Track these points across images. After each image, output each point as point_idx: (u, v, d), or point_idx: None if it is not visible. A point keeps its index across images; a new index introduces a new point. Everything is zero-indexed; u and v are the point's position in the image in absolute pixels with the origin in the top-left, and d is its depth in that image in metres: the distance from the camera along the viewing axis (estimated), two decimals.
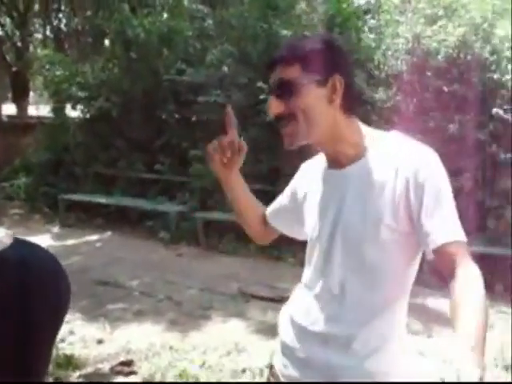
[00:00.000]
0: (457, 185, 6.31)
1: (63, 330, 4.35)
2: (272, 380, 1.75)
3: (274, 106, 1.49)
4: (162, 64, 8.38)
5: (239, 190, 1.80)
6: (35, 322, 2.30)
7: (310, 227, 1.63)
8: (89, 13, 13.84)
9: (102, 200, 8.39)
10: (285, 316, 1.73)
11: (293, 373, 1.64)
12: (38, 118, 13.30)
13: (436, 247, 1.38)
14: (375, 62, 6.78)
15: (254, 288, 5.52)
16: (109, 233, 7.98)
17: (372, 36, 7.08)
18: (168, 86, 8.24)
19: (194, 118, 7.84)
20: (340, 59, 1.52)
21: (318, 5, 7.44)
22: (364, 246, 1.48)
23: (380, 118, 6.27)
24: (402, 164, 1.45)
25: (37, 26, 16.59)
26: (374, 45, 6.89)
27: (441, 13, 6.56)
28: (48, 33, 15.84)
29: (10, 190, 9.90)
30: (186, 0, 10.01)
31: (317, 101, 1.46)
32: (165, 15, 10.32)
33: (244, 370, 3.97)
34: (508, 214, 6.29)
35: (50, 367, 3.85)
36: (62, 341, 4.29)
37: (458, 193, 6.26)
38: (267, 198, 1.89)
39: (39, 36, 16.63)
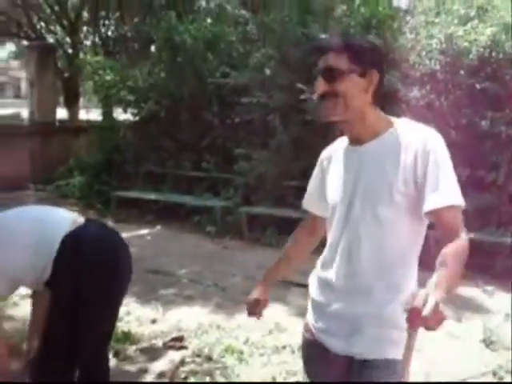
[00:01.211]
0: (490, 179, 6.58)
1: (120, 311, 4.77)
2: (306, 335, 2.13)
3: (321, 86, 1.85)
4: (206, 68, 8.81)
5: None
6: (113, 288, 2.77)
7: (331, 196, 1.98)
8: (136, 20, 14.42)
9: (152, 197, 8.84)
10: (313, 277, 2.10)
11: (322, 325, 2.00)
12: (88, 121, 13.92)
13: (432, 209, 1.72)
14: (411, 62, 7.07)
15: (294, 276, 5.87)
16: (158, 227, 8.42)
17: (408, 37, 7.35)
18: (213, 88, 8.67)
19: (237, 119, 8.25)
20: (379, 58, 1.91)
21: (355, 7, 7.72)
22: (379, 208, 1.81)
23: (414, 115, 6.54)
24: (412, 140, 1.79)
25: (86, 33, 17.15)
26: (409, 45, 7.18)
27: (473, 13, 6.82)
28: (96, 39, 16.40)
29: (65, 188, 10.40)
30: (229, 6, 10.39)
31: (355, 88, 1.82)
32: (208, 21, 10.75)
33: (284, 347, 4.32)
34: None
35: (111, 343, 4.31)
36: (120, 320, 4.63)
37: (491, 186, 6.53)
38: (304, 192, 2.23)
39: (88, 43, 17.19)
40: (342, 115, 1.85)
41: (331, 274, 1.95)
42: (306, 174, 2.04)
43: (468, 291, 5.77)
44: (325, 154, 2.12)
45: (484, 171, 6.62)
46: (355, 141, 1.92)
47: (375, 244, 1.85)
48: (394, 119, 1.91)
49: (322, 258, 2.06)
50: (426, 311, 1.41)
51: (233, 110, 8.36)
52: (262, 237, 7.51)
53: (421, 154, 1.76)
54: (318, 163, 2.14)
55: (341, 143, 2.02)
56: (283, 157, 7.53)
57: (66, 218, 2.75)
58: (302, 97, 6.82)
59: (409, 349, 1.59)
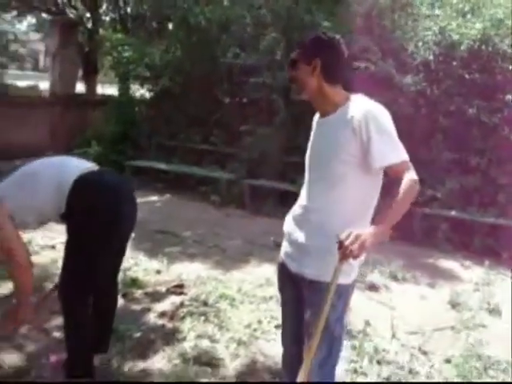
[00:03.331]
0: (474, 163, 7.10)
1: (129, 262, 5.32)
2: (279, 260, 2.74)
3: (288, 73, 2.53)
4: (219, 48, 9.23)
5: None
6: (111, 226, 3.26)
7: (306, 154, 2.59)
8: None
9: (163, 167, 9.32)
10: (288, 216, 2.68)
11: (286, 250, 2.62)
12: (103, 95, 14.40)
13: (382, 167, 2.27)
14: (408, 52, 7.55)
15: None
16: (168, 195, 8.94)
17: (407, 27, 7.80)
18: (224, 68, 9.13)
19: (245, 98, 8.77)
20: (321, 49, 2.42)
21: None
22: (331, 164, 2.36)
23: (406, 100, 7.06)
24: (358, 111, 2.30)
25: (105, 10, 17.44)
26: (408, 36, 7.65)
27: (467, 8, 7.29)
28: (115, 16, 16.71)
29: (83, 156, 10.85)
30: None
31: (304, 73, 2.42)
32: (225, 3, 11.14)
33: (271, 297, 4.83)
34: None
35: (120, 286, 4.87)
36: (128, 269, 5.22)
37: (475, 170, 7.04)
38: (303, 167, 2.68)
39: (107, 19, 17.48)
40: (301, 94, 2.45)
41: (298, 211, 2.55)
42: (305, 151, 2.59)
43: (447, 263, 6.35)
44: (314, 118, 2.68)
45: (469, 155, 7.12)
46: (321, 113, 2.50)
47: (327, 189, 2.40)
48: (351, 95, 2.43)
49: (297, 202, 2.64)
50: (347, 241, 2.04)
51: (241, 89, 8.84)
52: (263, 207, 8.01)
53: (364, 123, 2.26)
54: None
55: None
56: (284, 134, 8.04)
57: (81, 165, 3.27)
58: None
59: (335, 275, 2.18)
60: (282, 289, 2.78)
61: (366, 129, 2.26)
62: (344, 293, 2.44)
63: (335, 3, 8.23)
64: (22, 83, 16.91)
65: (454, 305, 5.12)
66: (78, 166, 3.26)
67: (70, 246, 3.19)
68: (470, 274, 6.12)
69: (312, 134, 2.57)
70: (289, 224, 2.62)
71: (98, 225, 3.12)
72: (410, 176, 2.24)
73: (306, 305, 2.48)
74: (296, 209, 2.60)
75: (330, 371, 2.54)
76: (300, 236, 2.49)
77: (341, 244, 2.12)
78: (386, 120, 2.31)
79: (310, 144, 2.57)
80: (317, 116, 2.59)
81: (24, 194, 3.14)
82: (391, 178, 2.32)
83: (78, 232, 3.14)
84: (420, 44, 7.41)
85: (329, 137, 2.40)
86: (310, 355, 2.24)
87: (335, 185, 2.38)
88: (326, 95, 2.41)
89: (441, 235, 6.59)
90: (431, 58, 7.21)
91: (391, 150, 2.27)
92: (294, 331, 2.64)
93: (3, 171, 3.33)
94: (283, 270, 2.66)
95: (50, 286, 4.77)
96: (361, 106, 2.33)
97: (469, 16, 7.19)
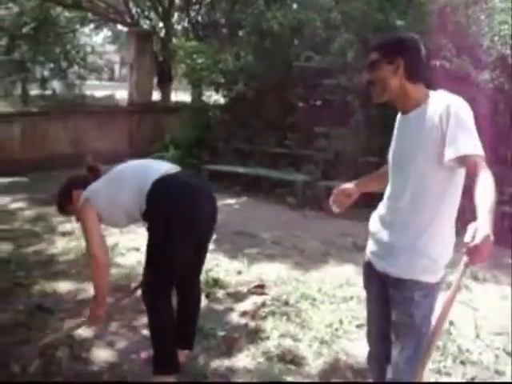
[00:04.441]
0: None
1: (211, 263, 5.45)
2: (364, 258, 2.79)
3: (364, 76, 2.53)
4: (291, 52, 9.34)
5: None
6: (188, 226, 3.41)
7: (390, 153, 2.61)
8: (225, 6, 14.99)
9: (240, 170, 9.46)
10: (373, 215, 2.73)
11: (372, 248, 2.67)
12: (177, 102, 14.76)
13: (457, 157, 2.23)
14: (484, 47, 7.42)
15: (365, 242, 6.41)
16: (245, 198, 9.08)
17: (482, 22, 7.67)
18: (297, 71, 9.22)
19: (318, 100, 8.83)
20: (403, 48, 2.44)
21: None
22: (419, 162, 2.35)
23: (484, 96, 6.94)
24: (439, 106, 2.33)
25: (177, 19, 17.83)
26: (483, 31, 7.52)
27: None
28: (186, 25, 17.09)
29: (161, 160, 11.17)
30: None
31: (385, 73, 2.43)
32: (294, 6, 11.26)
33: (352, 297, 4.88)
34: None
35: (203, 286, 5.02)
36: (210, 270, 5.34)
37: None
38: (379, 167, 2.77)
39: (179, 28, 17.86)
40: (382, 95, 2.47)
41: (383, 210, 2.60)
42: (380, 151, 2.63)
43: None
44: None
45: None
46: (403, 111, 2.52)
47: (415, 188, 2.41)
48: (433, 92, 2.45)
49: (383, 200, 2.68)
50: (476, 242, 1.95)
51: (315, 91, 8.91)
52: None
53: (444, 115, 2.28)
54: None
55: None
56: (360, 134, 8.05)
57: (162, 167, 3.43)
58: None
59: (458, 282, 2.14)
60: (367, 287, 2.82)
61: (446, 120, 2.28)
62: (430, 291, 2.48)
63: (408, 2, 8.16)
64: (99, 93, 17.59)
65: None
66: (159, 167, 3.42)
67: (150, 245, 3.34)
68: None
69: (394, 132, 2.60)
70: (374, 223, 2.66)
71: (177, 223, 3.26)
72: (489, 172, 2.20)
73: (392, 304, 2.52)
74: (381, 207, 2.65)
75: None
76: (385, 235, 2.53)
77: (469, 249, 2.00)
78: (466, 112, 2.32)
79: (392, 142, 2.61)
80: (399, 114, 2.62)
81: (111, 193, 3.37)
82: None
83: (157, 231, 3.29)
84: (496, 39, 7.25)
85: (412, 134, 2.43)
86: (428, 354, 2.26)
87: (419, 182, 2.40)
88: (408, 94, 2.44)
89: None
90: (508, 52, 7.05)
91: (467, 141, 2.25)
92: (380, 330, 2.69)
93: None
94: (369, 269, 2.70)
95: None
96: (442, 100, 2.35)
97: None
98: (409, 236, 2.43)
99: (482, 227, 1.97)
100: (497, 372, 3.79)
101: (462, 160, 2.24)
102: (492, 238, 1.96)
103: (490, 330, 4.41)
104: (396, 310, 2.50)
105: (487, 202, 2.09)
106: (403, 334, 2.49)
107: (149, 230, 3.35)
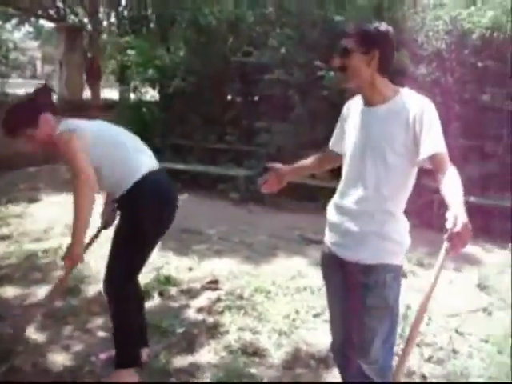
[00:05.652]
0: (491, 149, 7.20)
1: (160, 261, 5.39)
2: (324, 250, 2.80)
3: (337, 62, 2.51)
4: (229, 47, 9.36)
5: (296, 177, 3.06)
6: (161, 225, 3.41)
7: (348, 143, 2.64)
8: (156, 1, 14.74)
9: (180, 166, 9.29)
10: (330, 205, 2.75)
11: (336, 239, 2.68)
12: (105, 99, 14.46)
13: (429, 155, 2.35)
14: (419, 42, 7.64)
15: (312, 234, 6.50)
16: (186, 195, 8.91)
17: (417, 18, 7.90)
18: (235, 67, 9.24)
19: (258, 94, 8.86)
20: (381, 40, 2.46)
21: None
22: (386, 156, 2.44)
23: (421, 90, 7.13)
24: (412, 106, 2.38)
25: (103, 13, 17.39)
26: (418, 26, 7.75)
27: None
28: (113, 20, 16.72)
29: None
30: None
31: (359, 62, 2.45)
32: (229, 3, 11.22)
33: (305, 288, 4.94)
34: None
35: (155, 284, 4.96)
36: (161, 268, 5.29)
37: (492, 156, 7.13)
38: None
39: (105, 23, 17.45)
40: (351, 83, 2.51)
41: (345, 201, 2.61)
42: (322, 145, 2.65)
43: (469, 248, 6.36)
44: (346, 105, 2.76)
45: (485, 142, 7.24)
46: (368, 103, 2.55)
47: (379, 180, 2.48)
48: (399, 89, 2.51)
49: (338, 190, 2.70)
50: (457, 229, 2.03)
51: (254, 86, 8.93)
52: (283, 202, 8.06)
53: (418, 117, 2.35)
54: (341, 113, 2.79)
55: (358, 100, 2.64)
56: (301, 129, 8.12)
57: (151, 159, 3.43)
58: (320, 73, 7.44)
59: (442, 262, 2.21)
60: (329, 278, 2.84)
61: (419, 122, 2.35)
62: (398, 273, 2.59)
63: None
64: (22, 91, 16.98)
65: (483, 287, 5.21)
66: (150, 158, 3.43)
67: (124, 236, 3.30)
68: (493, 257, 6.24)
69: (354, 122, 2.61)
70: (334, 213, 2.68)
71: (156, 222, 3.28)
72: (454, 167, 2.34)
73: (364, 290, 2.54)
74: (338, 197, 2.68)
75: (391, 348, 2.66)
76: (350, 224, 2.56)
77: (450, 232, 2.08)
78: (435, 114, 2.41)
79: (353, 132, 2.61)
80: (355, 104, 2.66)
81: (106, 148, 3.26)
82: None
83: (136, 224, 3.25)
84: (431, 34, 7.49)
85: (379, 127, 2.47)
86: (414, 337, 2.28)
87: (384, 173, 2.47)
88: (377, 86, 2.48)
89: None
90: (443, 47, 7.29)
91: (439, 141, 2.37)
92: (343, 318, 2.72)
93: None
94: (330, 260, 2.73)
95: (86, 287, 4.90)
96: (415, 101, 2.41)
97: (479, 5, 7.27)
98: (375, 223, 2.50)
99: (461, 215, 2.06)
100: (453, 351, 3.92)
101: (432, 157, 2.36)
102: (470, 226, 2.05)
103: (441, 312, 4.56)
104: (369, 294, 2.53)
105: (458, 193, 2.20)
106: (378, 316, 2.55)
107: (127, 219, 3.30)
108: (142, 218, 3.25)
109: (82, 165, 3.06)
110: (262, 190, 3.10)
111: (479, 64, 7.16)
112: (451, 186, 2.24)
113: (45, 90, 3.41)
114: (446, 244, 2.14)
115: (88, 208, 3.08)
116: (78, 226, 3.12)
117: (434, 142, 2.36)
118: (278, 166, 3.07)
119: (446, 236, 2.10)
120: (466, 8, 7.37)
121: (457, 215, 2.06)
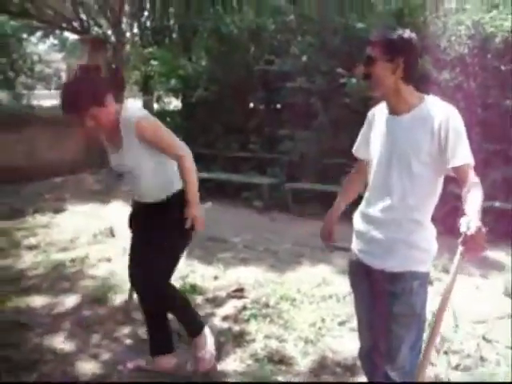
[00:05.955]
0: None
1: (186, 270, 5.42)
2: (351, 258, 2.82)
3: (361, 70, 2.52)
4: (251, 56, 9.40)
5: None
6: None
7: (374, 151, 2.63)
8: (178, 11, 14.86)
9: (204, 175, 9.27)
10: (357, 214, 2.76)
11: (363, 247, 2.70)
12: None
13: (456, 166, 2.37)
14: (441, 47, 7.61)
15: (337, 241, 6.45)
16: (210, 203, 9.06)
17: (438, 23, 7.87)
18: (257, 75, 9.27)
19: (280, 102, 8.88)
20: (405, 47, 2.45)
21: None
22: (411, 165, 2.44)
23: (444, 95, 7.10)
24: (437, 114, 2.38)
25: (126, 24, 17.55)
26: (440, 32, 7.72)
27: (497, 0, 7.34)
28: (136, 31, 16.89)
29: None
30: None
31: (384, 70, 2.45)
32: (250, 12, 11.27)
33: (331, 296, 4.91)
34: None
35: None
36: (186, 277, 5.32)
37: None
38: (344, 170, 2.86)
39: (128, 34, 17.62)
40: (375, 91, 2.51)
41: (371, 209, 2.62)
42: (345, 152, 2.64)
43: (494, 254, 6.34)
44: (371, 112, 2.76)
45: (509, 146, 7.16)
46: (393, 111, 2.55)
47: (405, 191, 2.49)
48: (424, 96, 2.50)
49: (364, 198, 2.71)
50: (471, 233, 2.07)
51: (276, 94, 8.96)
52: (307, 209, 8.07)
53: (444, 125, 2.36)
54: (367, 119, 2.79)
55: (383, 108, 2.63)
56: (324, 136, 8.13)
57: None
58: (342, 81, 7.45)
59: (456, 271, 2.26)
60: (356, 285, 2.85)
61: (445, 130, 2.35)
62: (425, 280, 2.60)
63: (367, 4, 8.28)
64: (48, 102, 17.20)
65: (509, 294, 5.15)
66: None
67: (161, 242, 3.36)
68: None
69: (379, 129, 2.61)
70: (361, 222, 2.69)
71: (188, 232, 3.39)
72: (477, 179, 2.35)
73: (391, 298, 2.56)
74: (365, 206, 2.68)
75: (418, 355, 2.63)
76: (378, 233, 2.58)
77: (464, 235, 2.12)
78: (460, 121, 2.41)
79: (378, 140, 2.61)
80: (380, 112, 2.66)
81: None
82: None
83: (173, 232, 3.35)
84: (453, 39, 7.45)
85: (405, 135, 2.47)
86: (432, 342, 2.35)
87: (411, 182, 2.47)
88: (402, 94, 2.48)
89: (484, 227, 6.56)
90: (466, 51, 7.25)
91: (467, 151, 2.38)
92: (372, 324, 2.73)
93: None
94: (358, 267, 2.74)
95: (113, 296, 4.96)
96: (440, 108, 2.41)
97: (501, 8, 7.22)
98: (402, 232, 2.51)
99: (474, 219, 2.10)
100: (481, 358, 3.89)
101: (458, 167, 2.38)
102: (484, 230, 2.07)
103: (468, 319, 4.51)
104: (397, 302, 2.54)
105: (476, 203, 2.23)
106: (405, 323, 2.56)
107: (162, 226, 3.35)
108: (169, 227, 3.33)
109: (177, 148, 3.25)
110: (329, 246, 3.15)
111: (502, 68, 7.11)
112: (471, 196, 2.26)
113: (117, 71, 3.48)
114: (460, 248, 2.18)
115: (195, 180, 3.26)
116: (194, 193, 3.26)
117: (462, 152, 2.37)
118: (329, 224, 3.04)
119: (460, 240, 2.13)
120: (487, 12, 7.32)
121: (470, 219, 2.09)
